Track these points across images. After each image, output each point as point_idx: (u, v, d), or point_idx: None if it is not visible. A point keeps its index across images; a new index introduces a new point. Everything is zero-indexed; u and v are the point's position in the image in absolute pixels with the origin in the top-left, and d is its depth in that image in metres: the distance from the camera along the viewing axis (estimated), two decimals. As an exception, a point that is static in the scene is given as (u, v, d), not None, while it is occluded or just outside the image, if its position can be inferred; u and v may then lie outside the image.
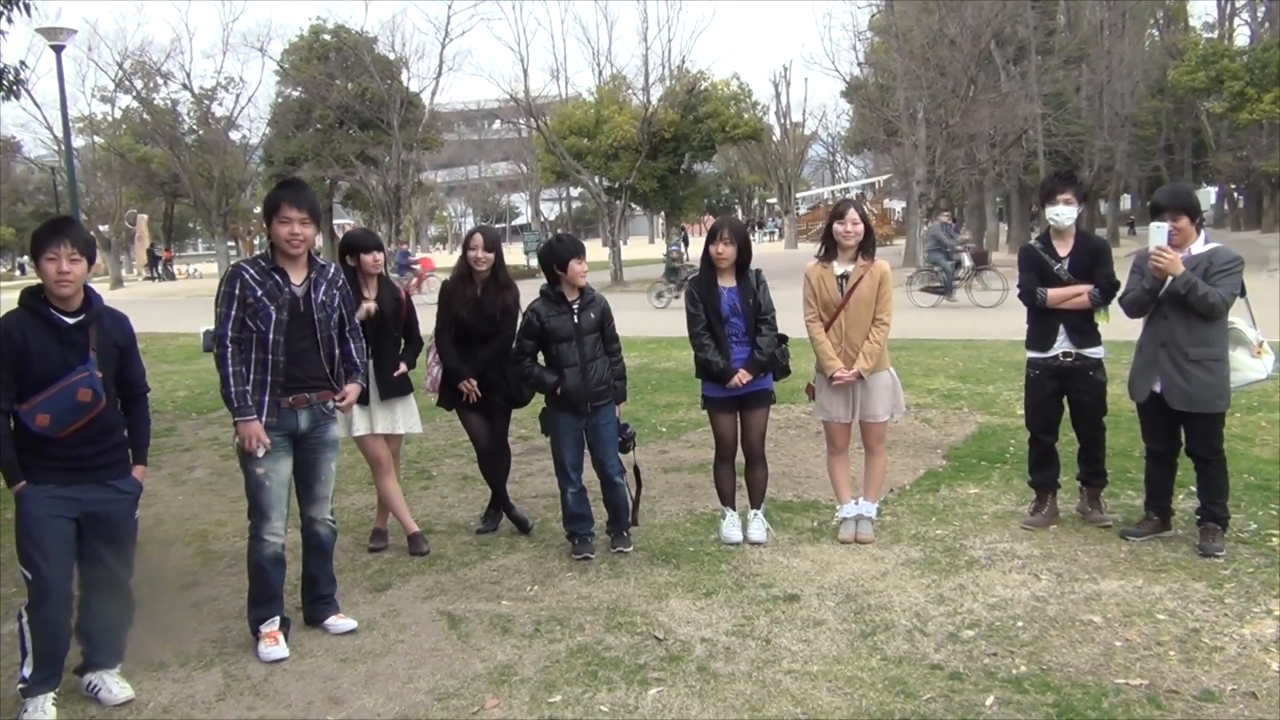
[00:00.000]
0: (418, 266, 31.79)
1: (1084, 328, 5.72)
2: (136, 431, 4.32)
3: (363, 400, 5.78)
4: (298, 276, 4.61)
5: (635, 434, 6.03)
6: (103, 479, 4.10)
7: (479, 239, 6.05)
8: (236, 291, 4.51)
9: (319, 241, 42.72)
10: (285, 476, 4.68)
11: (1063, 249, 5.76)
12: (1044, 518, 5.92)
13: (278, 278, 4.56)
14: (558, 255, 5.63)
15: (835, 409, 5.80)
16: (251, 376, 4.51)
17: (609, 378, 5.70)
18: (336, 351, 4.75)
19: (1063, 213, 5.70)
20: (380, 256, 5.88)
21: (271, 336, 4.51)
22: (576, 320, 5.60)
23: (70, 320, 3.99)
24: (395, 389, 5.88)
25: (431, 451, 8.57)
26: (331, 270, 4.79)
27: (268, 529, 4.64)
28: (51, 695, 4.07)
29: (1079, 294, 5.66)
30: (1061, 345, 5.74)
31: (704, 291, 5.70)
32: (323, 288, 4.68)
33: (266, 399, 4.53)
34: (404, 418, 5.97)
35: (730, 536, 5.83)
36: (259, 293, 4.51)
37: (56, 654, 4.07)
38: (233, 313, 4.51)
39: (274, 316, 4.51)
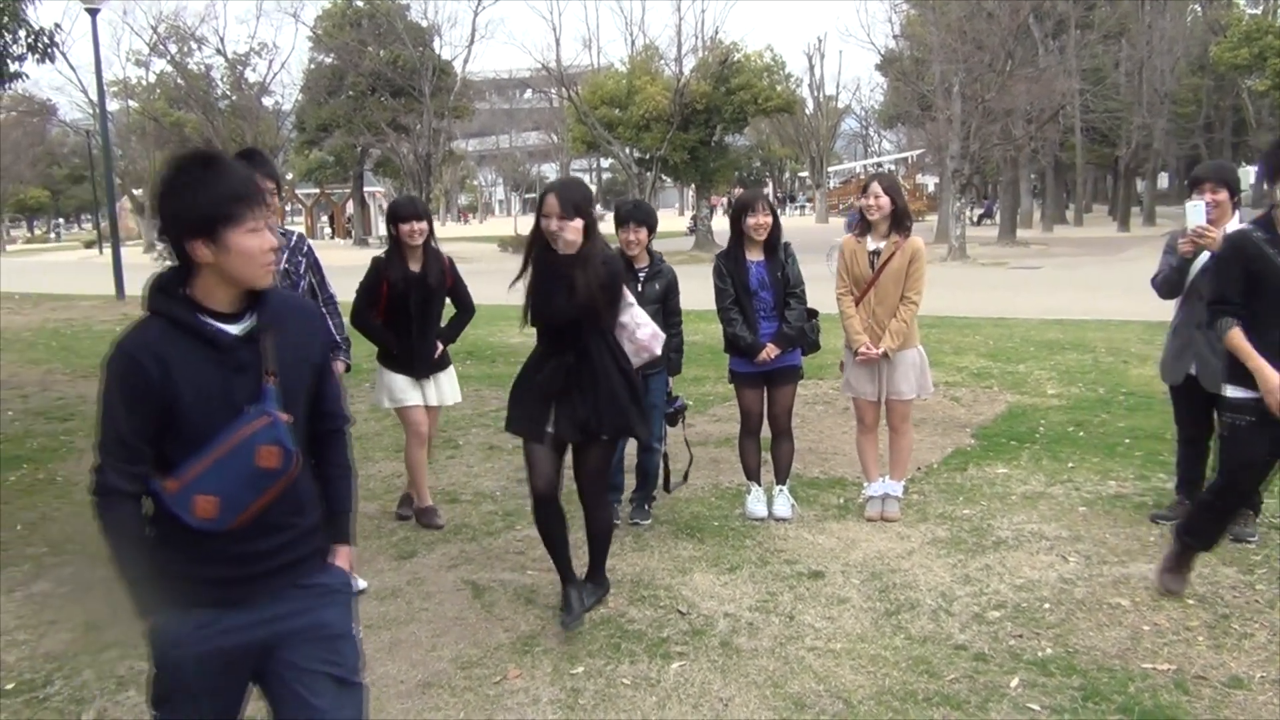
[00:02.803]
0: None
1: None
2: (334, 492, 2.63)
3: (411, 371, 5.75)
4: None
5: (686, 408, 6.00)
6: (293, 580, 2.48)
7: (554, 202, 4.22)
8: None
9: (349, 209, 42.57)
10: None
11: None
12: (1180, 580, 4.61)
13: None
14: (616, 218, 5.70)
15: (861, 385, 5.76)
16: None
17: (666, 351, 5.68)
18: None
19: None
20: (420, 226, 5.61)
21: None
22: (640, 290, 5.56)
23: (233, 330, 2.34)
24: (437, 363, 5.87)
25: (458, 421, 8.59)
26: (293, 239, 4.73)
27: None
28: None
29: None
30: None
31: (732, 266, 5.66)
32: (285, 256, 4.63)
33: None
34: (449, 389, 5.95)
35: (755, 512, 5.82)
36: None
37: None
38: None
39: None
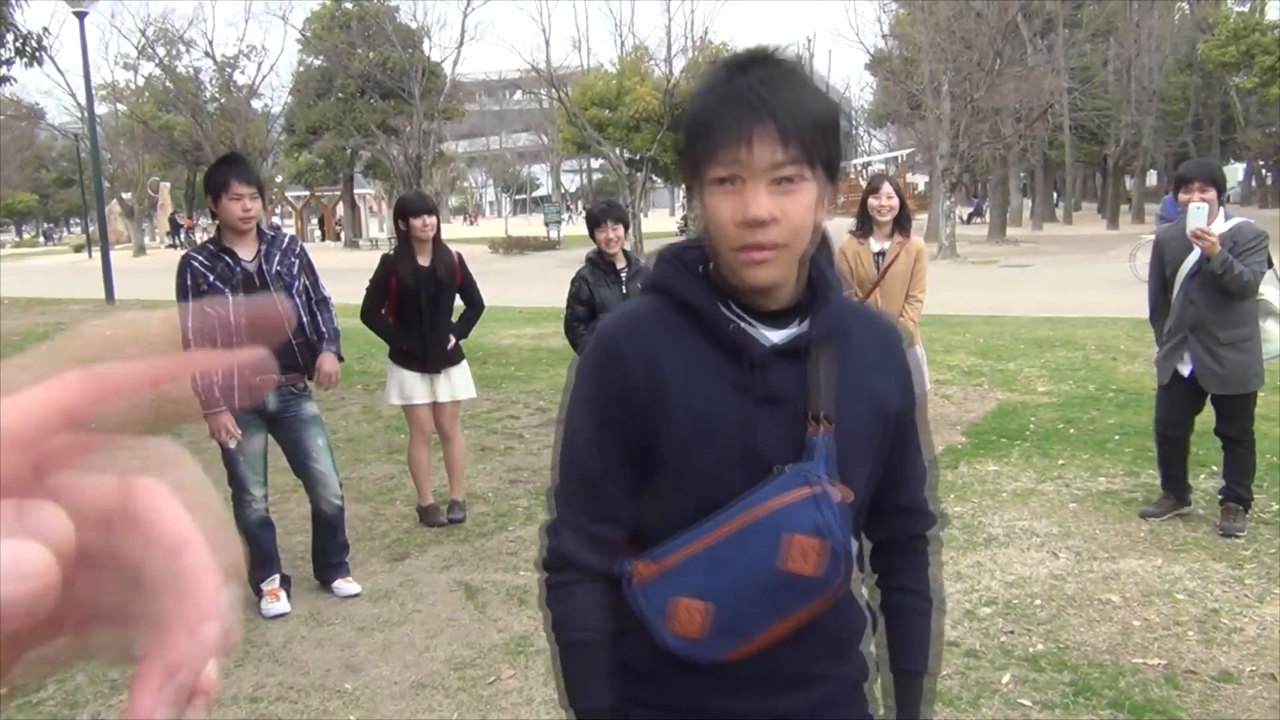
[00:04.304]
0: None
1: None
2: (908, 640, 1.66)
3: (424, 367, 5.78)
4: (248, 253, 4.60)
5: None
6: None
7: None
8: (189, 282, 4.52)
9: (339, 211, 42.39)
10: (258, 450, 4.73)
11: None
12: None
13: (228, 259, 4.55)
14: (590, 219, 5.76)
15: None
16: None
17: None
18: (304, 321, 4.73)
19: None
20: (431, 220, 5.69)
21: (232, 319, 4.49)
22: (625, 291, 5.63)
23: (771, 336, 1.45)
24: (448, 357, 5.87)
25: (450, 422, 8.58)
26: (285, 240, 4.79)
27: (247, 497, 4.72)
28: None
29: None
30: None
31: None
32: (276, 258, 4.67)
33: (235, 383, 4.53)
34: (461, 384, 5.96)
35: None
36: (211, 278, 4.51)
37: None
38: (189, 304, 4.50)
39: (231, 299, 4.50)
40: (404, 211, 5.74)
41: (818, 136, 1.35)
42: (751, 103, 1.33)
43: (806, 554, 1.37)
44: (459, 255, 5.92)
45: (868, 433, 1.48)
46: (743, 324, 1.43)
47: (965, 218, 43.96)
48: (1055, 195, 48.70)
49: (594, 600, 1.46)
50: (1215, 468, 5.56)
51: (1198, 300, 5.16)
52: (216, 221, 4.64)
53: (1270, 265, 5.22)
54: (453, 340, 5.86)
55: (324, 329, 4.85)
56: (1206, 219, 5.00)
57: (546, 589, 1.51)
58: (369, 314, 5.76)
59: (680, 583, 1.41)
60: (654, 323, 1.46)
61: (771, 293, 1.42)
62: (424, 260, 5.71)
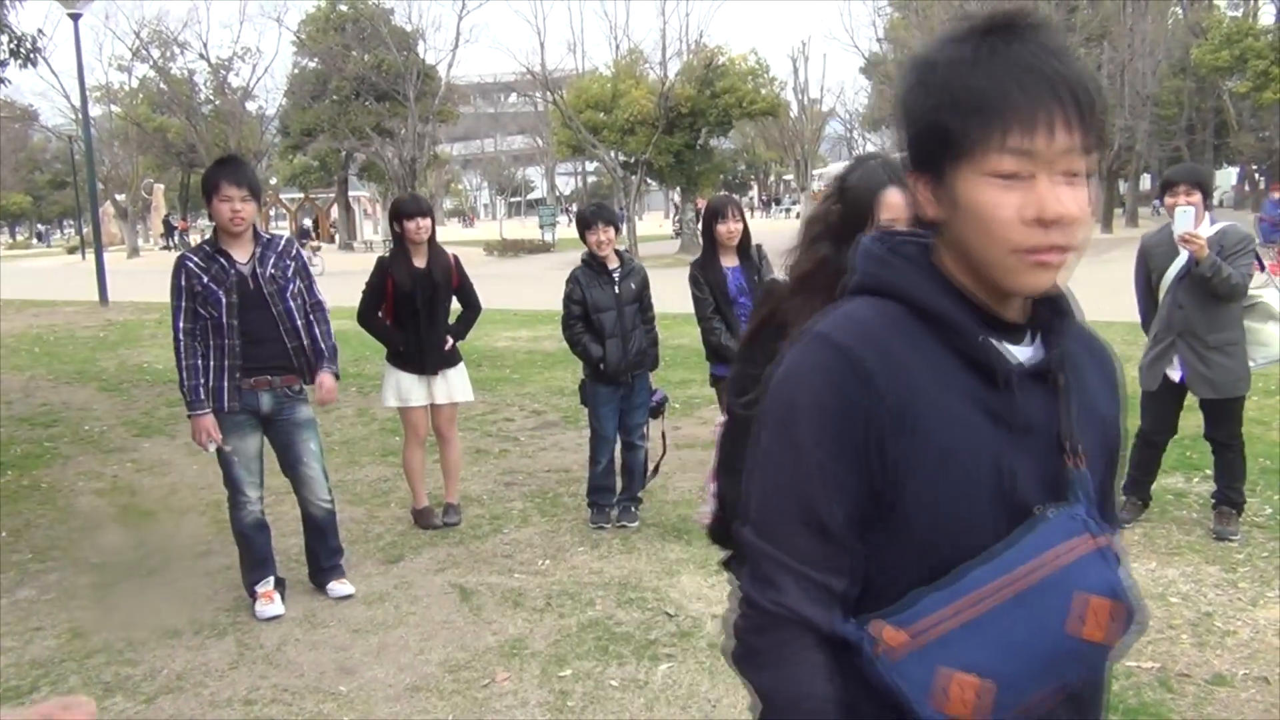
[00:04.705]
0: None
1: None
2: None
3: (421, 369, 5.78)
4: (243, 255, 4.60)
5: (667, 400, 6.10)
6: None
7: None
8: (183, 283, 4.53)
9: (334, 214, 42.36)
10: (253, 452, 4.72)
11: None
12: None
13: (222, 260, 4.55)
14: (580, 222, 5.78)
15: None
16: (211, 364, 4.54)
17: (646, 346, 5.80)
18: (299, 324, 4.71)
19: None
20: (425, 222, 5.69)
21: (225, 320, 4.53)
22: (617, 291, 5.66)
23: (1017, 353, 1.25)
24: (445, 359, 5.87)
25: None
26: (281, 243, 4.80)
27: (242, 499, 4.71)
28: None
29: None
30: None
31: (709, 274, 5.69)
32: (271, 260, 4.66)
33: (226, 384, 4.56)
34: (458, 386, 5.97)
35: (742, 513, 5.84)
36: (205, 279, 4.52)
37: None
38: (183, 304, 4.53)
39: (224, 300, 4.52)
40: (398, 214, 5.76)
41: (1101, 122, 1.17)
42: (1050, 79, 1.12)
43: (1099, 617, 1.17)
44: (455, 257, 5.94)
45: (1099, 466, 1.29)
46: (992, 338, 1.22)
47: (959, 221, 43.91)
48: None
49: (822, 662, 1.21)
50: (1208, 471, 5.58)
51: (1186, 304, 5.16)
52: (214, 223, 4.65)
53: (1263, 268, 5.24)
54: (450, 342, 5.87)
55: (321, 345, 4.82)
56: (1193, 222, 5.02)
57: (753, 654, 1.25)
58: (365, 317, 5.79)
59: (947, 654, 1.16)
60: (888, 329, 1.21)
61: (1012, 301, 1.23)
62: (420, 262, 5.73)
